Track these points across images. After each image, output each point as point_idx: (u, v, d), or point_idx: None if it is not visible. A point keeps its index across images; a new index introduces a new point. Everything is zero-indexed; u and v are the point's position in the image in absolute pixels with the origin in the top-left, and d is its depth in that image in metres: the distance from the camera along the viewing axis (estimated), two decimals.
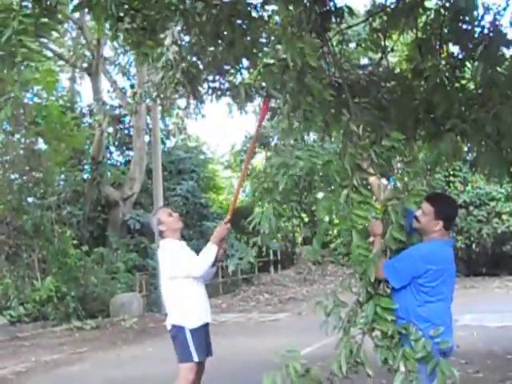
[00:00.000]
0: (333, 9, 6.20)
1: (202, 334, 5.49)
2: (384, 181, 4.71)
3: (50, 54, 19.97)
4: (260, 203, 5.47)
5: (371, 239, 4.54)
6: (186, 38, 6.32)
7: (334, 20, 6.31)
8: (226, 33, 5.85)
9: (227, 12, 5.42)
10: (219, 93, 10.00)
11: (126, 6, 4.83)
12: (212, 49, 6.23)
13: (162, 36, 6.12)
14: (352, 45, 17.13)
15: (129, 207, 21.14)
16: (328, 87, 5.15)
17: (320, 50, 5.73)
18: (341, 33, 7.57)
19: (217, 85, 9.92)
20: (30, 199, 17.53)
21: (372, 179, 4.72)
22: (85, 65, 21.56)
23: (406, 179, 5.19)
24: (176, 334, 5.45)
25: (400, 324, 4.19)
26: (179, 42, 6.18)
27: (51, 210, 17.10)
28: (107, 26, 5.08)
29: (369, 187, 4.88)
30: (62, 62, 23.43)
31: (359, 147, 4.58)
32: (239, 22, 5.65)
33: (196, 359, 5.37)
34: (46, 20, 4.53)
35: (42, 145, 17.87)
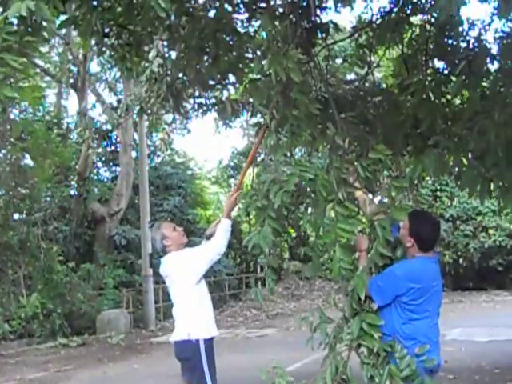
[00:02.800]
0: (318, 24, 6.25)
1: (212, 352, 5.30)
2: (370, 195, 4.68)
3: (36, 70, 19.92)
4: (254, 222, 5.43)
5: (357, 254, 4.53)
6: (171, 53, 6.30)
7: (319, 35, 6.36)
8: (210, 48, 5.87)
9: (212, 27, 5.41)
10: (205, 108, 10.02)
11: (112, 22, 4.82)
12: (196, 64, 6.21)
13: (146, 49, 6.12)
14: (339, 60, 17.31)
15: (116, 223, 21.03)
16: (314, 101, 5.16)
17: (305, 64, 5.78)
18: (327, 48, 7.63)
19: (202, 100, 9.94)
20: (16, 215, 17.42)
21: (358, 193, 4.68)
22: (71, 80, 21.52)
23: (392, 194, 5.18)
24: (188, 352, 5.21)
25: (386, 341, 4.16)
26: (164, 56, 6.16)
27: (37, 226, 16.98)
28: (93, 41, 5.06)
29: (356, 202, 4.86)
30: (48, 78, 23.41)
31: (345, 161, 4.59)
32: (224, 36, 5.65)
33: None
34: (30, 38, 4.50)
35: (28, 161, 17.84)
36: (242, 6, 5.98)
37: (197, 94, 9.02)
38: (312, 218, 4.51)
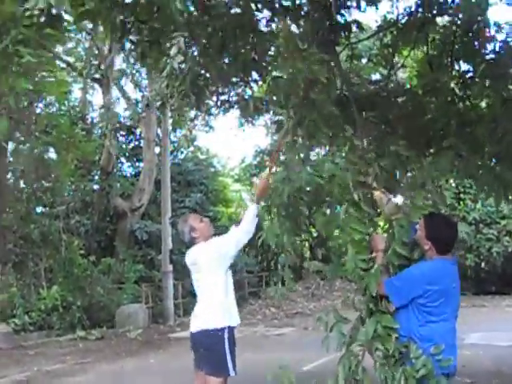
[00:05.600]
0: (341, 23, 6.20)
1: (234, 340, 5.30)
2: (389, 195, 4.62)
3: (62, 65, 20.04)
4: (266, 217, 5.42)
5: (373, 254, 4.49)
6: (192, 49, 6.28)
7: (342, 34, 6.30)
8: (230, 45, 5.83)
9: (233, 24, 5.38)
10: (227, 105, 9.98)
11: (132, 18, 4.81)
12: (217, 61, 6.19)
13: (167, 45, 6.11)
14: (364, 60, 17.17)
15: (137, 218, 21.12)
16: (333, 101, 5.13)
17: (327, 63, 5.73)
18: (350, 47, 7.58)
19: (225, 97, 9.90)
20: (38, 208, 17.58)
21: (376, 193, 4.63)
22: (96, 75, 21.61)
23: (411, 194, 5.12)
24: (211, 341, 5.20)
25: (401, 342, 4.12)
26: (185, 52, 6.13)
27: (59, 220, 17.12)
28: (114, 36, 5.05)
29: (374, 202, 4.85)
30: (74, 73, 23.55)
31: (363, 161, 4.54)
32: (245, 34, 5.61)
33: (232, 373, 5.17)
34: (49, 30, 4.50)
35: (52, 154, 17.99)
36: (264, 4, 5.95)
37: (220, 90, 8.99)
38: (321, 218, 4.49)
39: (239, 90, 9.43)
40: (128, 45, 4.96)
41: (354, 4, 6.45)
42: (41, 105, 18.74)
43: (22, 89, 4.24)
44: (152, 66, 5.35)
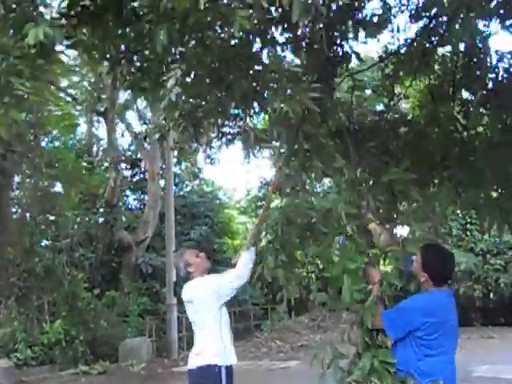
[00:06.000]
0: (341, 54, 6.21)
1: (232, 379, 5.24)
2: (384, 226, 4.57)
3: (68, 98, 20.18)
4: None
5: (369, 287, 4.42)
6: (187, 80, 6.28)
7: (341, 66, 6.31)
8: (229, 76, 5.84)
9: (230, 55, 5.39)
10: (229, 137, 9.97)
11: (123, 48, 4.83)
12: (212, 92, 6.19)
13: (164, 78, 6.13)
14: (368, 91, 17.25)
15: (142, 251, 21.08)
16: (326, 133, 5.13)
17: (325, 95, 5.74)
18: (351, 78, 7.58)
19: (227, 129, 9.91)
20: (42, 242, 17.55)
21: (372, 226, 4.58)
22: (101, 108, 21.73)
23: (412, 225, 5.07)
24: (208, 379, 5.14)
25: (399, 377, 4.03)
26: (182, 84, 6.14)
27: (63, 253, 17.08)
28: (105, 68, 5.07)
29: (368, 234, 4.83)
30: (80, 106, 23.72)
31: (355, 193, 4.51)
32: (243, 65, 5.61)
33: None
34: (41, 62, 4.51)
35: (57, 188, 18.04)
36: (262, 36, 5.96)
37: (220, 122, 8.99)
38: (313, 250, 4.45)
39: (240, 122, 9.45)
40: (119, 75, 4.94)
41: (351, 35, 6.48)
42: (46, 138, 18.90)
43: (13, 120, 4.22)
44: (147, 97, 5.33)
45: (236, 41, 5.84)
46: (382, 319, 4.12)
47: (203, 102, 6.80)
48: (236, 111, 7.56)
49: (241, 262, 5.26)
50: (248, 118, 8.77)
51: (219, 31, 5.79)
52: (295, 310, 25.60)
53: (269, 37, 5.77)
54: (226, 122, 8.98)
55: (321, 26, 5.80)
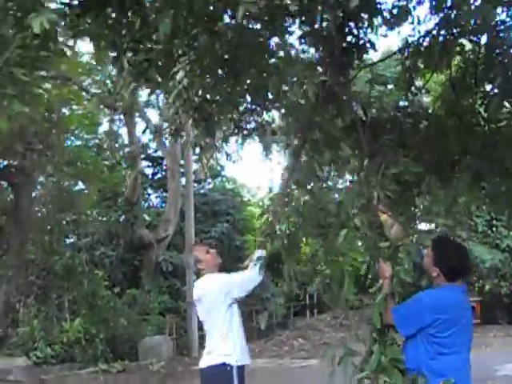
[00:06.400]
0: (355, 44, 6.03)
1: (244, 379, 5.16)
2: (396, 219, 4.36)
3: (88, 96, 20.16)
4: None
5: (380, 282, 4.24)
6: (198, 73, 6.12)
7: (356, 56, 6.13)
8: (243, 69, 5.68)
9: (236, 44, 5.23)
10: (246, 132, 9.78)
11: (128, 38, 4.69)
12: (225, 83, 6.03)
13: (175, 70, 5.99)
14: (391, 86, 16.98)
15: (163, 249, 20.99)
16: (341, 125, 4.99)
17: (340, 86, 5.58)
18: (370, 71, 7.40)
19: (243, 124, 9.72)
20: (63, 240, 17.55)
21: (383, 218, 4.40)
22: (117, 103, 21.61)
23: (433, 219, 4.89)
24: (219, 378, 5.09)
25: (410, 375, 3.85)
26: (190, 75, 5.97)
27: (83, 251, 17.07)
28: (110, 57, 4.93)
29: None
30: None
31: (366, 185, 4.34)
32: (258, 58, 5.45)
33: None
34: (45, 53, 4.40)
35: (77, 186, 18.06)
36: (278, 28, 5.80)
37: (236, 117, 8.83)
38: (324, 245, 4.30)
39: (258, 117, 9.28)
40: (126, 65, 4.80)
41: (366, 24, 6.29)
42: (68, 137, 18.93)
43: (14, 111, 4.11)
44: (154, 89, 5.18)
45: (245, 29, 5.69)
46: (393, 315, 3.94)
47: (214, 95, 6.66)
48: (252, 106, 7.43)
49: (253, 264, 5.13)
50: (265, 113, 8.62)
51: (227, 20, 5.67)
52: (318, 308, 25.41)
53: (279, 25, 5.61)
54: (242, 117, 8.83)
55: (340, 15, 5.67)
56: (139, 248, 21.05)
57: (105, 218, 20.75)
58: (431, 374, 3.78)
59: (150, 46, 5.01)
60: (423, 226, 5.00)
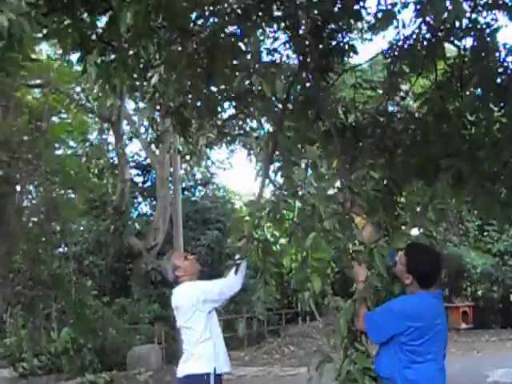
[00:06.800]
0: (335, 47, 5.96)
1: None
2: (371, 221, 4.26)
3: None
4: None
5: (354, 286, 4.14)
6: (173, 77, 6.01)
7: (335, 60, 6.07)
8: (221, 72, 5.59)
9: (208, 43, 5.14)
10: (229, 138, 9.65)
11: (93, 38, 4.58)
12: (199, 85, 5.94)
13: (149, 74, 5.90)
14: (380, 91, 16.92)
15: (152, 257, 20.85)
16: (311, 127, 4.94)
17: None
18: (354, 75, 7.35)
19: (226, 130, 9.59)
20: (49, 250, 17.34)
21: (357, 220, 4.30)
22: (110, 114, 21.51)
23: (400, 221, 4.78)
24: None
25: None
26: (166, 81, 5.86)
27: (71, 260, 16.90)
28: (75, 58, 4.81)
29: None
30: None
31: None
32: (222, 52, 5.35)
33: None
34: (11, 54, 4.29)
35: (64, 195, 17.88)
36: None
37: (218, 123, 8.72)
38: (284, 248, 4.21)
39: (241, 123, 9.16)
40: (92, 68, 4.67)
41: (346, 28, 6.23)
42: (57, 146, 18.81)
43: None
44: (114, 87, 5.03)
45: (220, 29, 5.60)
46: (364, 321, 3.83)
47: (192, 100, 6.55)
48: (235, 111, 7.32)
49: (232, 271, 5.01)
50: (248, 119, 8.51)
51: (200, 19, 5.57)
52: (310, 315, 25.25)
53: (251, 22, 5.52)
54: (226, 123, 8.72)
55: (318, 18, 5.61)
56: (128, 257, 20.93)
57: (94, 228, 20.56)
58: (405, 383, 3.67)
59: (118, 45, 4.90)
60: (412, 231, 4.89)
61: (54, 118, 18.08)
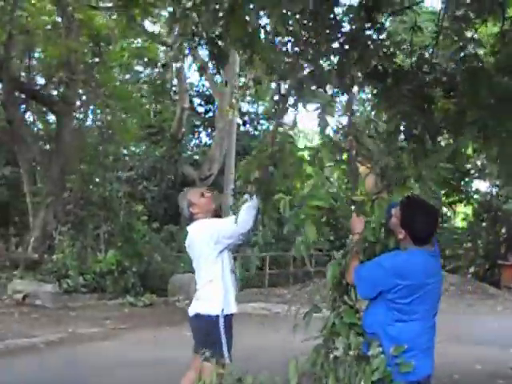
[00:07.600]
0: None
1: (231, 328, 5.00)
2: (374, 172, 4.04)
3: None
4: None
5: (350, 237, 3.96)
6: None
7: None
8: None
9: None
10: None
11: None
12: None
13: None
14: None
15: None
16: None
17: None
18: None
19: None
20: (104, 172, 17.61)
21: (361, 169, 4.07)
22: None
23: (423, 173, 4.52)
24: (206, 327, 4.91)
25: (366, 339, 3.60)
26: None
27: (121, 184, 17.13)
28: None
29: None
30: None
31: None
32: None
33: (227, 361, 4.80)
34: None
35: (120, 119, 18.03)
36: None
37: None
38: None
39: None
40: None
41: None
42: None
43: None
44: (134, 18, 4.85)
45: None
46: (354, 275, 3.67)
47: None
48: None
49: (243, 208, 4.88)
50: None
51: None
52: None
53: None
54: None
55: None
56: (182, 185, 21.02)
57: (151, 153, 20.71)
58: (386, 340, 3.50)
59: None
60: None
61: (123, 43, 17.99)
